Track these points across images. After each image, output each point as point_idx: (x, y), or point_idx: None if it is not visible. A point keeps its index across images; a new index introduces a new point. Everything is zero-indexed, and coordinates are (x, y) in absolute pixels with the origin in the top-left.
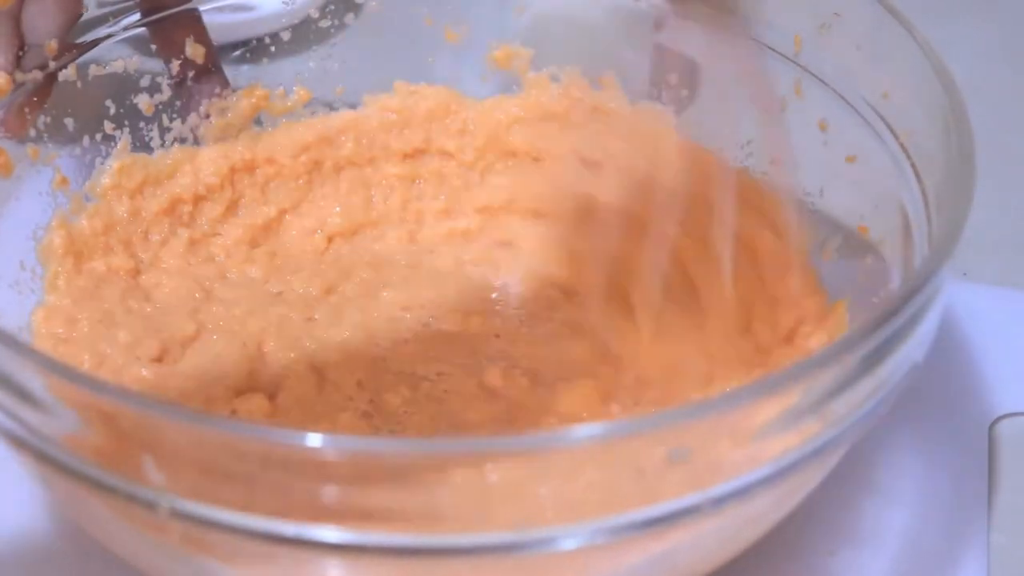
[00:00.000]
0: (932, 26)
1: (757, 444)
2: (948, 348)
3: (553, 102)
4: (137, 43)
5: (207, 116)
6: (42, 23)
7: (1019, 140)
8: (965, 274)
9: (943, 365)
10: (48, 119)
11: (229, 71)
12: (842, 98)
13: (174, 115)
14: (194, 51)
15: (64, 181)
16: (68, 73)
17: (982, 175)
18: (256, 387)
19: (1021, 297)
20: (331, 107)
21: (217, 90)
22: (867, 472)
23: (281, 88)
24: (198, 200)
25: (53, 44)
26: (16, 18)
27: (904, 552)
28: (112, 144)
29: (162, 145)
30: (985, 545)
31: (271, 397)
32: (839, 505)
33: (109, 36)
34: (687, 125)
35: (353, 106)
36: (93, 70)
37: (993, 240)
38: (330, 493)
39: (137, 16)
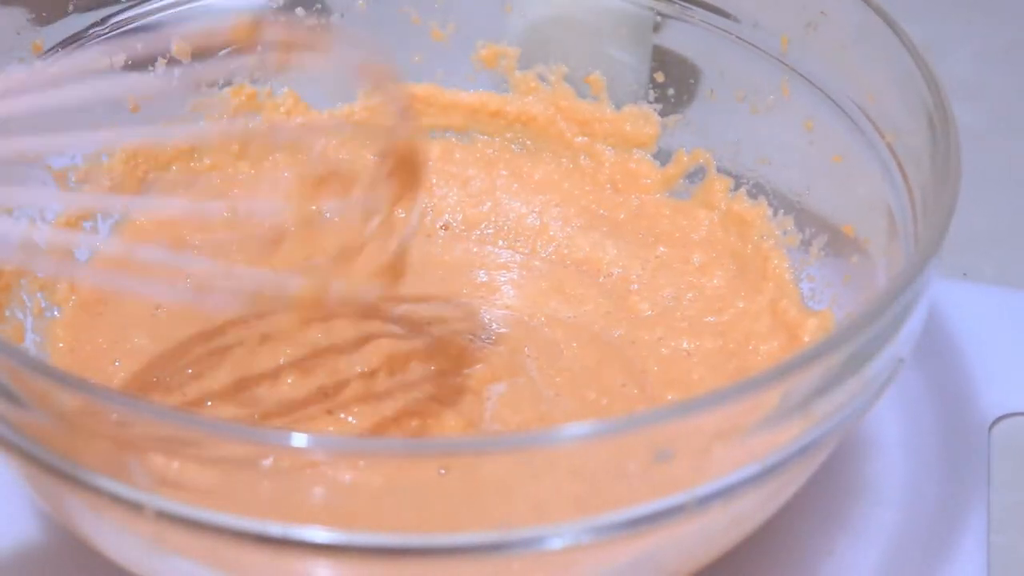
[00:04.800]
0: (931, 26)
1: (742, 443)
2: (948, 348)
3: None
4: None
5: None
6: None
7: (1018, 140)
8: (964, 274)
9: (943, 365)
10: None
11: None
12: (829, 98)
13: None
14: (179, 49)
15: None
16: None
17: (981, 175)
18: None
19: (1020, 297)
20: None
21: None
22: (866, 472)
23: (268, 87)
24: None
25: (39, 42)
26: None
27: (904, 552)
28: None
29: None
30: (985, 545)
31: None
32: (838, 505)
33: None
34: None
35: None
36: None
37: (992, 240)
38: (317, 494)
39: (123, 16)
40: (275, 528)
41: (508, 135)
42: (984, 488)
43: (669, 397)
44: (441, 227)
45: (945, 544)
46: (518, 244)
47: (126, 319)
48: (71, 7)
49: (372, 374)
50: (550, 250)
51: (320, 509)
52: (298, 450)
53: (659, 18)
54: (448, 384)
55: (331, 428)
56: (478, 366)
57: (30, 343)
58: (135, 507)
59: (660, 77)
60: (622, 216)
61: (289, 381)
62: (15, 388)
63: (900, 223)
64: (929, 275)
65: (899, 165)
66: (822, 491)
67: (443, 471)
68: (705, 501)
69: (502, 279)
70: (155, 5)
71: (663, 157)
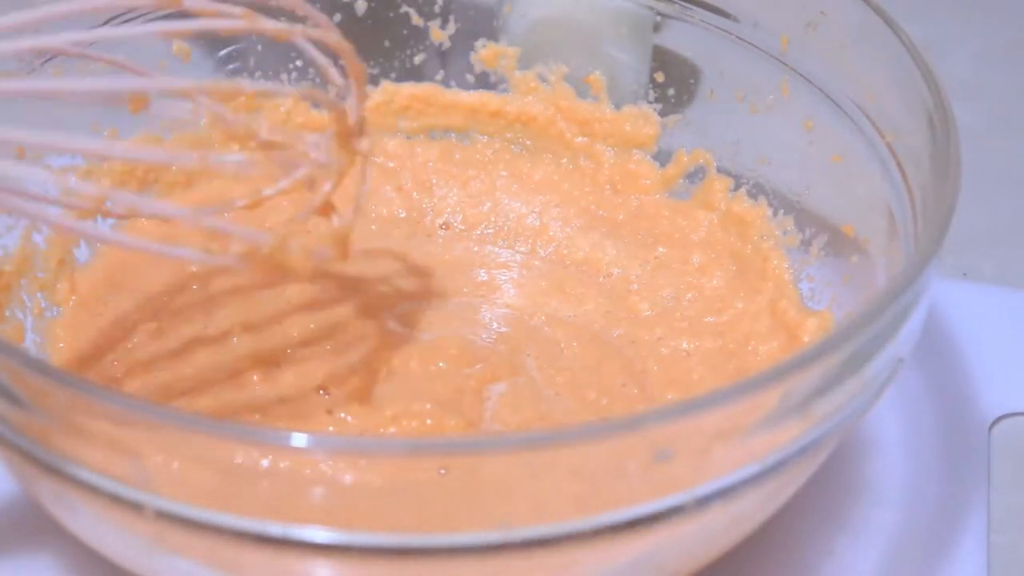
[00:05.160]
0: (931, 26)
1: (742, 443)
2: (948, 348)
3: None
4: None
5: None
6: None
7: (1018, 140)
8: (964, 274)
9: (943, 365)
10: None
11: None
12: (828, 98)
13: None
14: (178, 48)
15: None
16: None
17: (981, 175)
18: None
19: (1020, 297)
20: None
21: None
22: (866, 472)
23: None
24: None
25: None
26: None
27: (904, 552)
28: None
29: None
30: (985, 545)
31: None
32: (838, 505)
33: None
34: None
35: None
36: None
37: (992, 240)
38: (317, 494)
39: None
40: (275, 528)
41: (508, 135)
42: (984, 488)
43: (669, 397)
44: (441, 227)
45: (945, 544)
46: (518, 244)
47: (126, 319)
48: None
49: (372, 374)
50: (550, 250)
51: (320, 509)
52: (298, 450)
53: (659, 18)
54: (448, 384)
55: (331, 428)
56: (478, 366)
57: (30, 343)
58: (135, 507)
59: (660, 77)
60: (622, 217)
61: (289, 381)
62: (15, 388)
63: (900, 223)
64: (929, 275)
65: (899, 165)
66: (822, 491)
67: (443, 471)
68: (705, 501)
69: (502, 279)
70: None
71: (663, 157)
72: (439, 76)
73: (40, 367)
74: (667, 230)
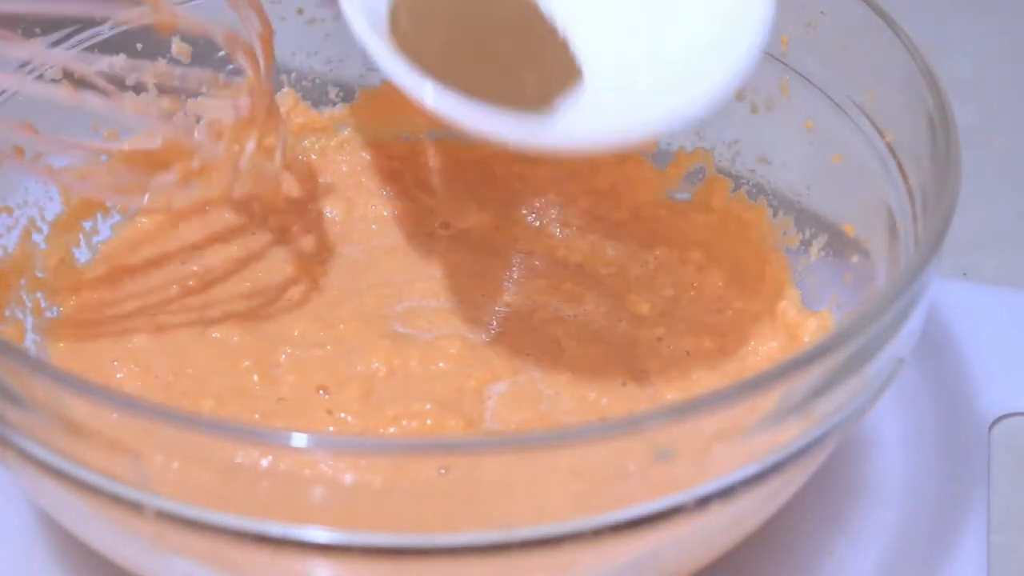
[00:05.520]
0: (931, 25)
1: (742, 443)
2: (947, 348)
3: None
4: (122, 42)
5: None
6: None
7: (1018, 140)
8: (964, 274)
9: (943, 365)
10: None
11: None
12: (828, 97)
13: None
14: (179, 49)
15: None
16: (54, 73)
17: (981, 175)
18: None
19: (1020, 297)
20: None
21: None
22: (866, 472)
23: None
24: None
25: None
26: None
27: (904, 553)
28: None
29: None
30: (985, 545)
31: None
32: (838, 505)
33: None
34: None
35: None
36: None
37: (992, 240)
38: (317, 494)
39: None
40: (275, 528)
41: None
42: (984, 488)
43: (669, 397)
44: (440, 226)
45: (945, 544)
46: (518, 244)
47: (126, 319)
48: None
49: (372, 373)
50: (550, 250)
51: (320, 509)
52: (298, 450)
53: None
54: (448, 384)
55: (331, 428)
56: (478, 366)
57: (30, 343)
58: (135, 507)
59: None
60: (621, 217)
61: (289, 381)
62: (15, 388)
63: (900, 223)
64: (929, 275)
65: (899, 165)
66: (822, 491)
67: (443, 471)
68: (705, 501)
69: (502, 278)
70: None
71: (663, 157)
72: None
73: (40, 367)
74: (667, 230)
